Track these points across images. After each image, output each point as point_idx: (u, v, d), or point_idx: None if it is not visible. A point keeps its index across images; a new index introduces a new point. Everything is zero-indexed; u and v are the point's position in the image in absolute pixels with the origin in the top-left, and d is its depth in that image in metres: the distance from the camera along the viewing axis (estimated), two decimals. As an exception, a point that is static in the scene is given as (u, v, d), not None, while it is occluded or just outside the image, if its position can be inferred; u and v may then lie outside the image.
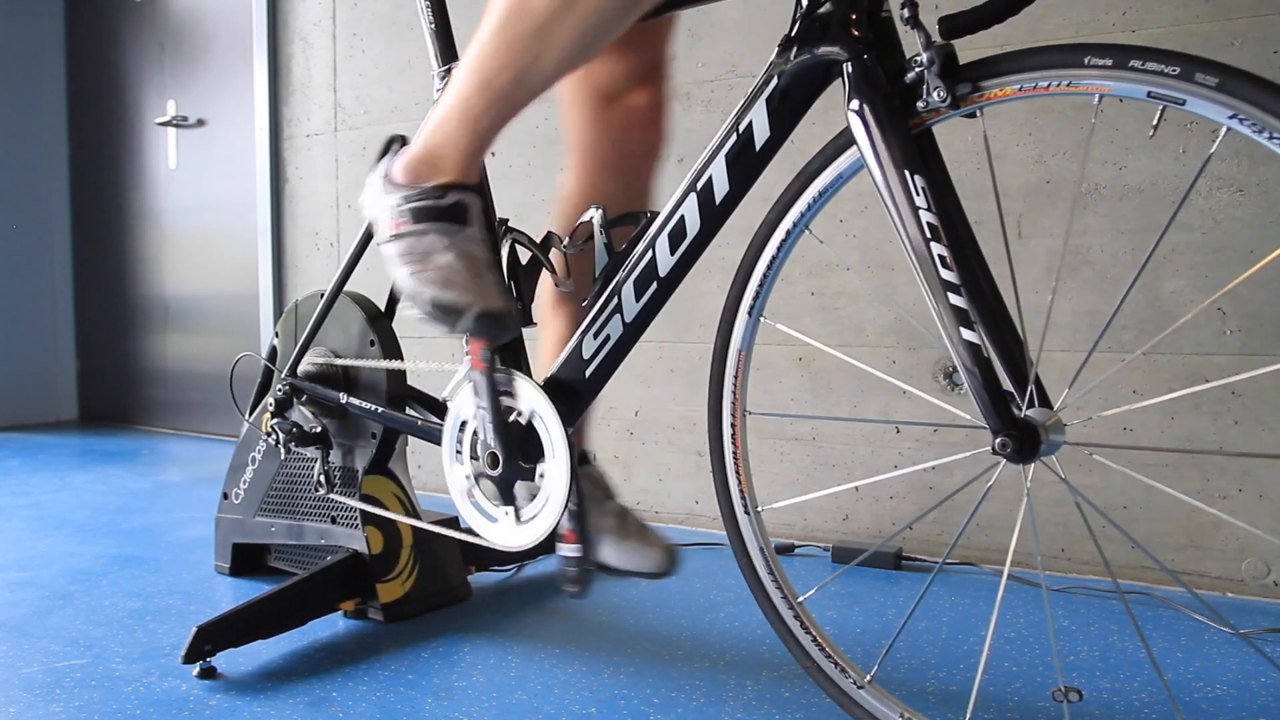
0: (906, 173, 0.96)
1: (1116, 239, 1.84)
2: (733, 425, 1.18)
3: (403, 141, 1.34)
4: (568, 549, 1.23)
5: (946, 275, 0.94)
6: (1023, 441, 0.93)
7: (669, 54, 1.41)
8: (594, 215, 1.19)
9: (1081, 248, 1.87)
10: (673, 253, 1.13)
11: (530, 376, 1.25)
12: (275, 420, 1.65)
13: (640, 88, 1.37)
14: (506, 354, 1.35)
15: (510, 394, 1.23)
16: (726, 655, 1.50)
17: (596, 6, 1.03)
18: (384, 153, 1.25)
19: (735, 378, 1.17)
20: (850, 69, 1.00)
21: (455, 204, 1.13)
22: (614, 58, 1.34)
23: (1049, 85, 0.90)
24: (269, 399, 1.68)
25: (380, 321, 1.66)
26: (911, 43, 0.97)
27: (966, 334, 0.94)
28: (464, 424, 1.27)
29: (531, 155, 2.54)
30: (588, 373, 1.20)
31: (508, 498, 1.24)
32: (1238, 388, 1.75)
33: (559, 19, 1.03)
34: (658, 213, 1.15)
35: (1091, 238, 1.86)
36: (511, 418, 1.22)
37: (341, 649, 1.54)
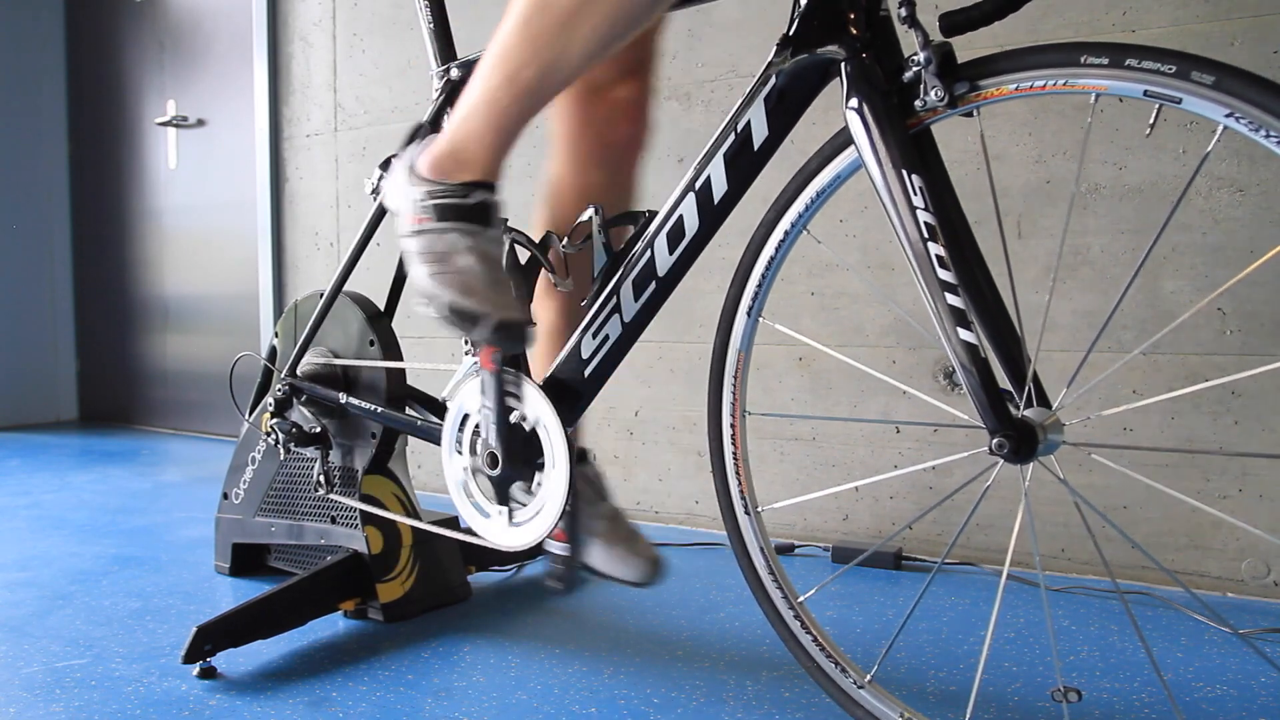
0: (904, 172, 0.96)
1: (1116, 239, 1.84)
2: (732, 425, 1.18)
3: (433, 127, 1.33)
4: (556, 547, 1.23)
5: (944, 275, 0.94)
6: (1020, 442, 0.93)
7: (657, 49, 1.41)
8: (592, 215, 1.19)
9: (1081, 247, 1.87)
10: (671, 252, 1.13)
11: (530, 377, 1.25)
12: (275, 420, 1.66)
13: (626, 81, 1.36)
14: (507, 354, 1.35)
15: (515, 395, 1.23)
16: (726, 655, 1.50)
17: (620, 1, 1.02)
18: (411, 139, 1.24)
19: (734, 378, 1.17)
20: (848, 68, 1.00)
21: (479, 204, 1.13)
22: None
23: (1045, 84, 0.90)
24: (269, 399, 1.68)
25: (379, 321, 1.66)
26: (911, 43, 0.98)
27: (964, 334, 0.94)
28: (465, 419, 1.27)
29: (532, 155, 2.54)
30: (587, 373, 1.20)
31: (503, 498, 1.24)
32: (1238, 388, 1.75)
33: (583, 13, 1.02)
34: (656, 212, 1.15)
35: (1091, 238, 1.86)
36: (513, 418, 1.23)
37: (341, 649, 1.54)
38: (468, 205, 1.12)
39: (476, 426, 1.26)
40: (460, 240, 1.11)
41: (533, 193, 2.53)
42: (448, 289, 1.09)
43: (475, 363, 1.30)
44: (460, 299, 1.08)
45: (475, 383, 1.27)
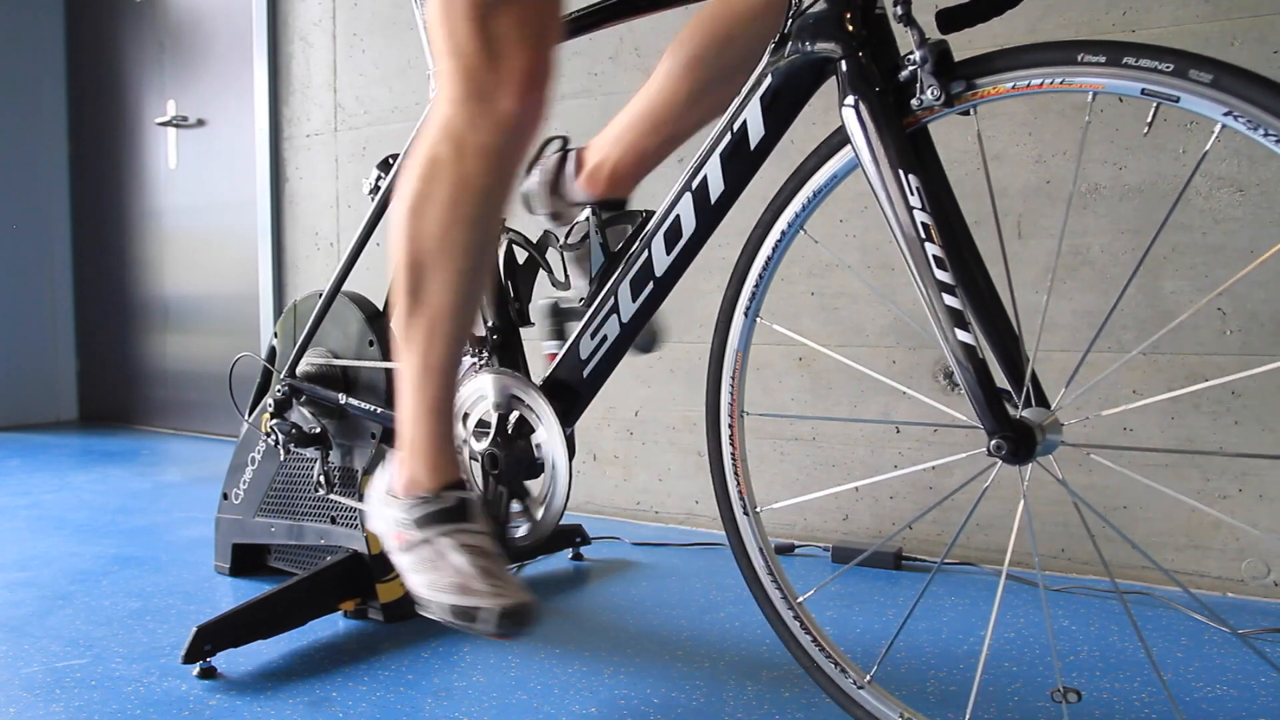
0: (901, 172, 0.96)
1: (1116, 239, 1.84)
2: (730, 426, 1.18)
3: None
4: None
5: (941, 276, 0.94)
6: (1018, 443, 0.93)
7: None
8: (590, 215, 1.19)
9: (1081, 247, 1.87)
10: (669, 252, 1.13)
11: (529, 378, 1.25)
12: (274, 421, 1.66)
13: None
14: (505, 355, 1.35)
15: (514, 396, 1.23)
16: (726, 655, 1.50)
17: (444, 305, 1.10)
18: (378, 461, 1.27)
19: (732, 378, 1.17)
20: (844, 66, 1.00)
21: (457, 503, 1.13)
22: None
23: (1042, 83, 0.90)
24: (268, 399, 1.68)
25: (379, 321, 1.66)
26: (908, 41, 0.97)
27: (961, 335, 0.93)
28: (464, 419, 1.28)
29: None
30: (585, 373, 1.20)
31: (501, 500, 1.24)
32: (1238, 388, 1.75)
33: (445, 246, 1.08)
34: (653, 212, 1.15)
35: (1091, 238, 1.86)
36: (513, 418, 1.23)
37: (341, 649, 1.54)
38: (445, 508, 1.13)
39: (476, 425, 1.26)
40: (446, 541, 1.12)
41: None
42: (444, 594, 1.09)
43: (474, 363, 1.30)
44: (458, 600, 1.08)
45: (474, 383, 1.27)
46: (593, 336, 1.18)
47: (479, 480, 1.27)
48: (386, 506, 1.18)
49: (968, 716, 1.22)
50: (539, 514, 1.23)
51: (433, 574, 1.10)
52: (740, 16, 1.21)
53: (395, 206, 1.11)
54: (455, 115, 1.05)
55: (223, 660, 1.44)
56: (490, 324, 1.35)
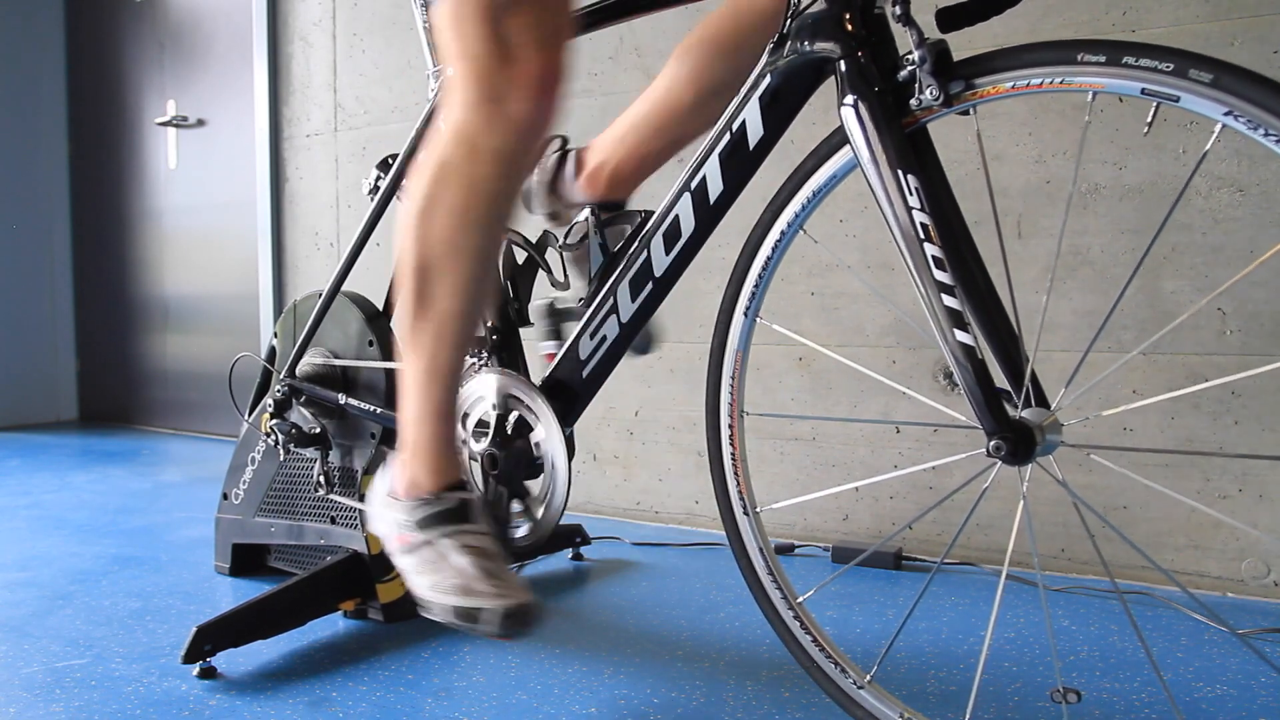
0: (900, 172, 0.95)
1: (1116, 239, 1.84)
2: (730, 426, 1.18)
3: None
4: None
5: (940, 276, 0.94)
6: (1017, 444, 0.93)
7: None
8: (589, 215, 1.19)
9: (1081, 247, 1.87)
10: (668, 253, 1.13)
11: (529, 378, 1.25)
12: (274, 421, 1.66)
13: None
14: (505, 355, 1.36)
15: (514, 397, 1.23)
16: (726, 655, 1.50)
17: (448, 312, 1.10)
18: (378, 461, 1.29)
19: (732, 378, 1.17)
20: (843, 66, 1.00)
21: (458, 504, 1.13)
22: None
23: (1042, 82, 0.90)
24: (268, 400, 1.68)
25: (378, 321, 1.66)
26: (907, 41, 0.97)
27: (960, 335, 0.93)
28: (464, 419, 1.28)
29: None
30: (585, 373, 1.20)
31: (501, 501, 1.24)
32: (1238, 388, 1.75)
33: (441, 337, 1.10)
34: (653, 212, 1.15)
35: (1091, 238, 1.86)
36: (512, 419, 1.23)
37: (341, 649, 1.54)
38: (446, 509, 1.13)
39: (476, 426, 1.26)
40: (448, 542, 1.11)
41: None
42: (447, 595, 1.09)
43: (473, 363, 1.30)
44: (461, 601, 1.07)
45: (473, 383, 1.27)
46: (592, 337, 1.18)
47: (479, 480, 1.27)
48: (388, 508, 1.17)
49: (968, 716, 1.22)
50: (539, 514, 1.23)
51: (435, 575, 1.10)
52: (747, 26, 1.21)
53: (403, 210, 1.11)
54: (468, 119, 1.04)
55: (223, 660, 1.44)
56: (490, 324, 1.35)
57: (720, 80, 1.22)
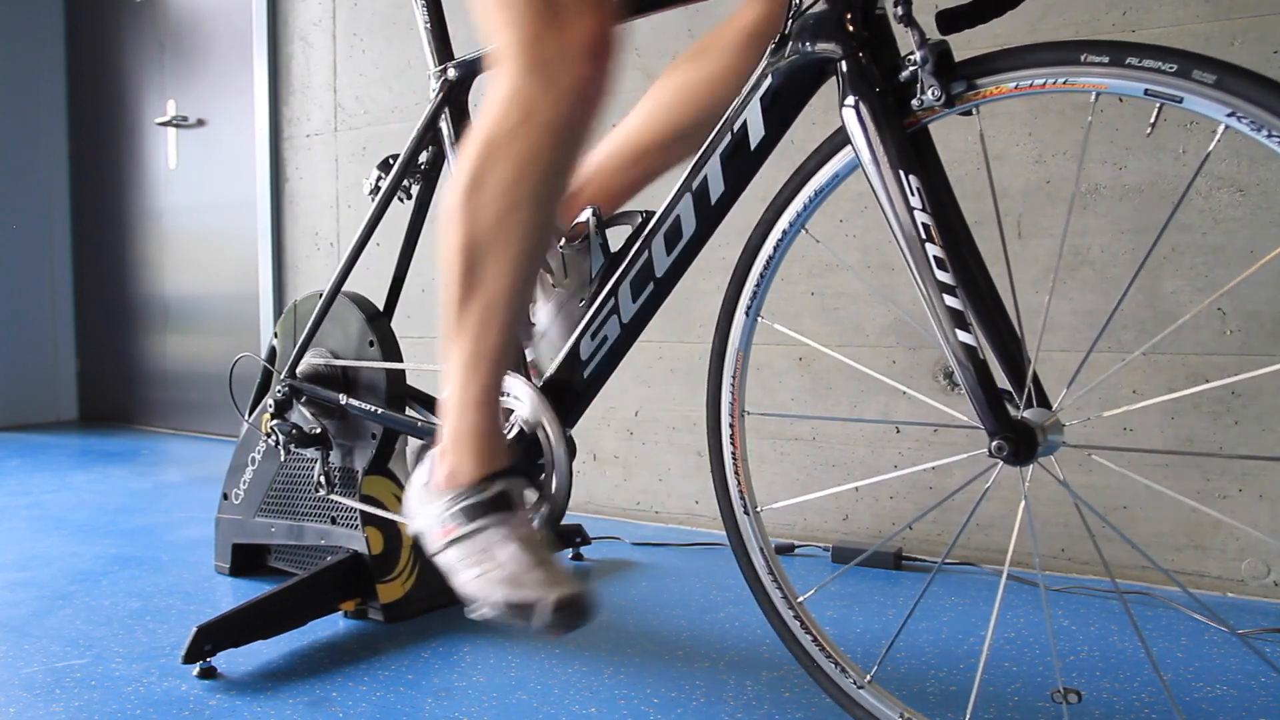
0: (901, 172, 0.95)
1: (1117, 239, 1.84)
2: (731, 425, 1.18)
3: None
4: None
5: (942, 276, 0.94)
6: (1019, 444, 0.93)
7: None
8: (589, 216, 1.19)
9: (1081, 248, 1.87)
10: (669, 253, 1.13)
11: (529, 378, 1.25)
12: (275, 421, 1.65)
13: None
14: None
15: (515, 398, 1.23)
16: (726, 655, 1.50)
17: (501, 275, 1.05)
18: (417, 455, 1.25)
19: (733, 378, 1.17)
20: (844, 67, 1.00)
21: (501, 493, 1.10)
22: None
23: (1045, 83, 0.90)
24: (268, 400, 1.68)
25: (379, 321, 1.66)
26: (908, 42, 0.97)
27: (962, 335, 0.93)
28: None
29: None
30: (586, 374, 1.20)
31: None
32: (1238, 388, 1.75)
33: (489, 321, 1.07)
34: (653, 213, 1.15)
35: (1091, 238, 1.86)
36: (513, 419, 1.22)
37: (341, 649, 1.54)
38: (491, 498, 1.10)
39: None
40: (494, 533, 1.08)
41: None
42: (499, 586, 1.05)
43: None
44: (512, 593, 1.04)
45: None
46: (593, 337, 1.18)
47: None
48: (427, 503, 1.14)
49: (968, 716, 1.22)
50: (540, 514, 1.23)
51: (481, 567, 1.07)
52: (724, 73, 1.21)
53: (448, 190, 1.07)
54: (518, 88, 1.00)
55: (223, 660, 1.44)
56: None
57: (694, 121, 1.23)
